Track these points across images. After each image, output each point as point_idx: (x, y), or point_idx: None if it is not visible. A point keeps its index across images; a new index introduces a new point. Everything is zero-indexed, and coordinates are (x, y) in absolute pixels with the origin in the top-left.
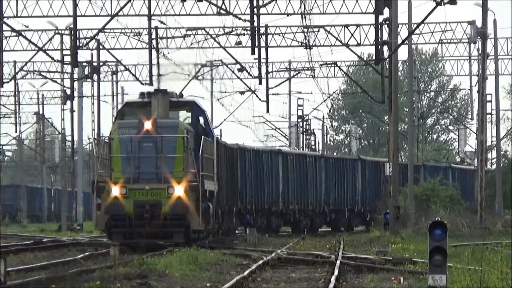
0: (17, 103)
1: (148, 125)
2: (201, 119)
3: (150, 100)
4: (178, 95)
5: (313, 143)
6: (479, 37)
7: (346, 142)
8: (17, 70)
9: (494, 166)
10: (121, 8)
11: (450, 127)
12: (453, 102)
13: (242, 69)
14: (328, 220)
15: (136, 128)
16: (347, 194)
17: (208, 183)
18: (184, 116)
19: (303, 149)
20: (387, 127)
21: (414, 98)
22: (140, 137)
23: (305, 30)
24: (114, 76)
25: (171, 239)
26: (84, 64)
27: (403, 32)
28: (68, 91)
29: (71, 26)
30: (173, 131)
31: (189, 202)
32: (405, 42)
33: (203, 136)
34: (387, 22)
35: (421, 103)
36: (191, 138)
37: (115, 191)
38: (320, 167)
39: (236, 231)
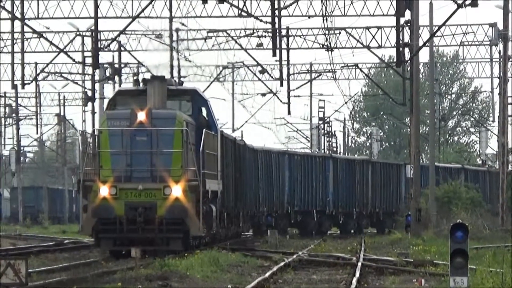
0: (38, 104)
1: (141, 116)
2: (204, 110)
3: (146, 88)
4: (177, 83)
5: (334, 145)
6: (500, 39)
7: (368, 144)
8: (38, 71)
9: None
10: (143, 10)
11: (471, 130)
12: (474, 105)
13: (263, 71)
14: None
15: (128, 119)
16: (357, 196)
17: (210, 182)
18: (184, 106)
19: (324, 151)
20: (409, 129)
21: (435, 101)
22: (133, 129)
23: (327, 32)
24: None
25: (168, 246)
26: (106, 65)
27: (425, 34)
28: (90, 93)
29: (93, 27)
30: (170, 123)
31: (188, 204)
32: (426, 45)
33: (204, 129)
34: (409, 24)
35: (442, 105)
36: (191, 131)
37: (104, 191)
38: (328, 168)
39: (247, 235)
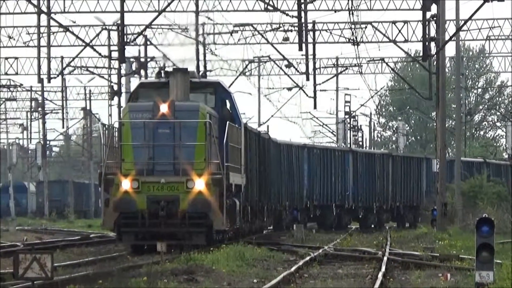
0: (64, 98)
1: (164, 108)
2: (227, 103)
3: (168, 80)
4: (200, 75)
5: (360, 139)
6: None
7: (394, 139)
8: (64, 65)
9: None
10: (169, 4)
11: (498, 124)
12: (500, 99)
13: (289, 65)
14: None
15: (151, 111)
16: (377, 190)
17: (234, 175)
18: (207, 99)
19: (350, 146)
20: (435, 124)
21: (461, 95)
22: (155, 122)
23: (353, 26)
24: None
25: (190, 240)
26: (132, 59)
27: (451, 29)
28: (116, 87)
29: (119, 22)
30: (194, 115)
31: (212, 198)
32: (452, 39)
33: (228, 122)
34: (435, 18)
35: (469, 99)
36: (214, 123)
37: (126, 184)
38: (347, 162)
39: (265, 231)
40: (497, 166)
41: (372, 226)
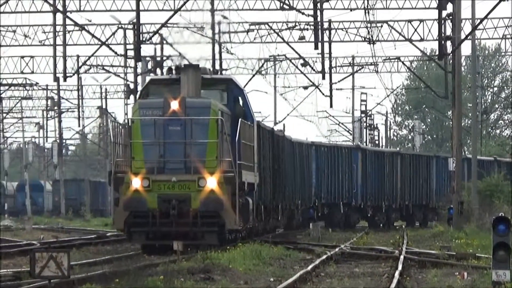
0: (80, 97)
1: (175, 105)
2: (240, 100)
3: (179, 76)
4: (212, 72)
5: (376, 138)
6: None
7: (410, 137)
8: (80, 64)
9: None
10: (185, 3)
11: None
12: None
13: (305, 64)
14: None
15: (161, 108)
16: (386, 189)
17: (246, 174)
18: (219, 96)
19: (366, 144)
20: (451, 122)
21: (477, 94)
22: (166, 119)
23: (369, 25)
24: None
25: (202, 240)
26: (148, 58)
27: (467, 28)
28: (132, 86)
29: (135, 20)
30: (205, 112)
31: (224, 196)
32: (468, 38)
33: (240, 119)
34: (451, 17)
35: (485, 98)
36: (226, 121)
37: (136, 183)
38: (356, 160)
39: (278, 230)
40: (508, 164)
41: (381, 225)
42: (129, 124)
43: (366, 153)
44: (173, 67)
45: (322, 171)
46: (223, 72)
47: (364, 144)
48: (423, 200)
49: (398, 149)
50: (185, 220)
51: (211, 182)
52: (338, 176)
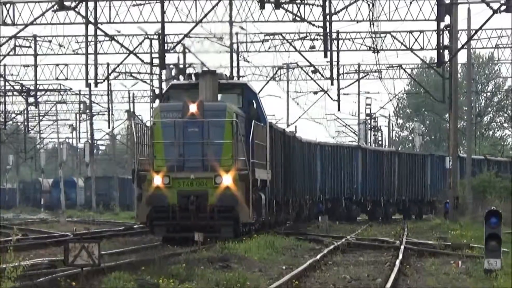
0: (110, 101)
1: (193, 108)
2: (254, 103)
3: (198, 82)
4: (228, 77)
5: (380, 139)
6: None
7: (410, 138)
8: (110, 71)
9: None
10: (205, 15)
11: (505, 125)
12: (508, 102)
13: (315, 71)
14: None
15: (181, 111)
16: (384, 185)
17: (259, 171)
18: (234, 99)
19: (370, 144)
20: (448, 125)
21: (472, 98)
22: (185, 121)
23: (373, 35)
24: None
25: (219, 233)
26: (171, 66)
27: (463, 38)
28: (157, 91)
29: (160, 31)
30: (221, 115)
31: (238, 192)
32: (464, 47)
33: (253, 121)
34: (448, 28)
35: (479, 102)
36: (241, 122)
37: (157, 180)
38: (357, 158)
39: (288, 223)
40: (497, 162)
41: (380, 218)
42: (151, 126)
43: (366, 152)
44: (193, 73)
45: (326, 169)
46: (240, 78)
47: (369, 144)
48: (418, 195)
49: (400, 149)
50: (203, 215)
51: (227, 179)
52: (340, 173)
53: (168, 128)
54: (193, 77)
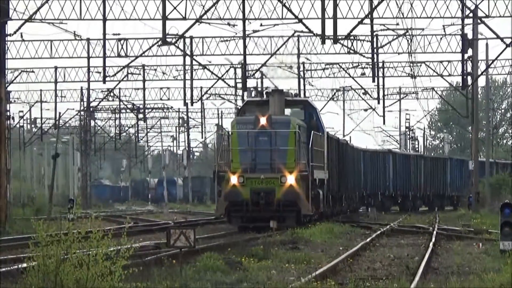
0: (203, 117)
1: (263, 120)
2: (314, 116)
3: (268, 99)
4: (293, 95)
5: (416, 147)
6: None
7: (441, 146)
8: (203, 93)
9: None
10: (278, 49)
11: None
12: None
13: (365, 93)
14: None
15: (253, 123)
16: (412, 182)
17: (318, 172)
18: (298, 113)
19: (409, 151)
20: (470, 135)
21: (489, 114)
22: (256, 131)
23: (411, 64)
24: None
25: (284, 222)
26: (251, 89)
27: (482, 66)
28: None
29: (242, 61)
30: (286, 126)
31: (300, 189)
32: (483, 74)
33: (312, 131)
34: (470, 58)
35: (495, 117)
36: (303, 132)
37: (234, 180)
38: (389, 161)
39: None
40: (503, 165)
41: (409, 209)
42: (229, 135)
43: (396, 156)
44: (264, 92)
45: (367, 169)
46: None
47: (408, 151)
48: (440, 191)
49: (432, 154)
50: (271, 207)
51: (290, 179)
52: (376, 173)
53: (243, 137)
54: (265, 95)
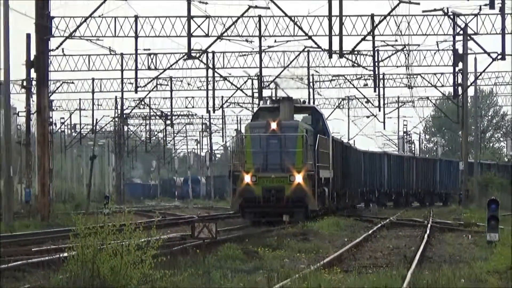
0: (223, 123)
1: (274, 125)
2: (320, 121)
3: (279, 105)
4: (302, 102)
5: (413, 149)
6: None
7: (435, 149)
8: (223, 102)
9: None
10: (290, 62)
11: (501, 139)
12: (503, 122)
13: (368, 101)
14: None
15: (264, 128)
16: (405, 180)
17: (324, 172)
18: (306, 118)
19: (405, 153)
20: (461, 139)
21: (477, 120)
22: (267, 135)
23: (409, 76)
24: None
25: (292, 217)
26: (266, 98)
27: (471, 78)
28: None
29: (258, 73)
30: (294, 130)
31: (307, 187)
32: (472, 85)
33: (318, 134)
34: (461, 71)
35: (482, 123)
36: (310, 136)
37: (247, 178)
38: (384, 162)
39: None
40: (487, 165)
41: (403, 205)
42: (243, 139)
43: (391, 157)
44: (275, 99)
45: (367, 169)
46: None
47: (405, 153)
48: (430, 188)
49: (427, 156)
50: (281, 204)
51: (298, 178)
52: (374, 172)
53: (255, 140)
54: (276, 102)
